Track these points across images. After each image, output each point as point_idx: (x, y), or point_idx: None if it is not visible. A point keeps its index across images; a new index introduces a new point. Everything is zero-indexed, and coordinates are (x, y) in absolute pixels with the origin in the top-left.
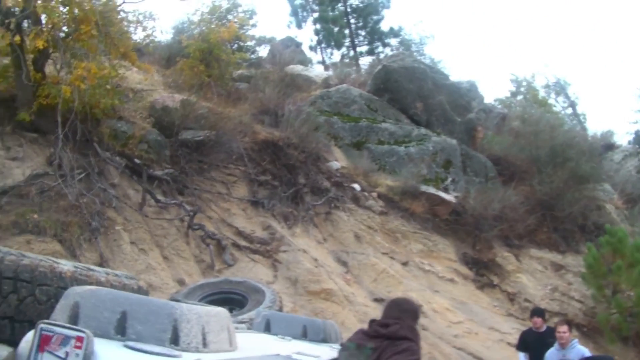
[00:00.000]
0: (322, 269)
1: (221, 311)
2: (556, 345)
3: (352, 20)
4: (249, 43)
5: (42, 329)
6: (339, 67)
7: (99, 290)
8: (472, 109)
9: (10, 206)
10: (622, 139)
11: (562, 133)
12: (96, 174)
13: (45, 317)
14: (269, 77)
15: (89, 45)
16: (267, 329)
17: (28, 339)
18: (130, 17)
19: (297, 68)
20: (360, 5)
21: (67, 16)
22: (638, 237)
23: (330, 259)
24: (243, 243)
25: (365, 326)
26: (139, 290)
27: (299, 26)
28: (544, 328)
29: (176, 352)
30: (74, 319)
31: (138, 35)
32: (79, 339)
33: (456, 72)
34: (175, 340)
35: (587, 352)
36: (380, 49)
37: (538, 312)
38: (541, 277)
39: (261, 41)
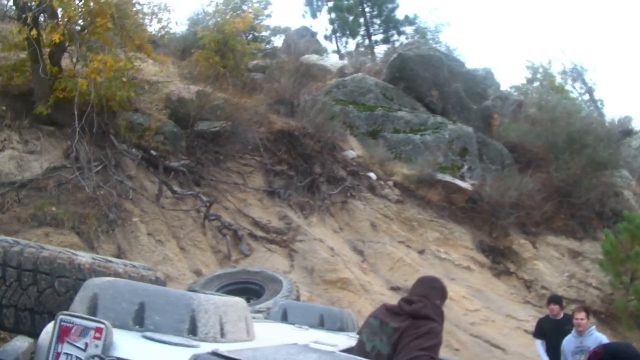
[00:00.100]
0: (338, 258)
1: (239, 301)
2: (573, 332)
3: (367, 9)
4: (263, 33)
5: (61, 320)
6: (354, 56)
7: (117, 282)
8: (488, 96)
9: (29, 199)
10: None
11: (579, 119)
12: (113, 166)
13: (64, 309)
14: (284, 67)
15: (104, 38)
16: (284, 318)
17: (48, 330)
18: (145, 9)
19: (313, 57)
20: None
21: (83, 9)
22: None
23: (347, 248)
24: (259, 233)
25: None
26: (157, 281)
27: (314, 15)
28: (561, 315)
29: (194, 342)
30: (92, 310)
31: (153, 27)
32: (98, 329)
33: (472, 59)
34: (193, 331)
35: (604, 339)
36: (396, 37)
37: (555, 299)
38: (558, 264)
39: (276, 31)
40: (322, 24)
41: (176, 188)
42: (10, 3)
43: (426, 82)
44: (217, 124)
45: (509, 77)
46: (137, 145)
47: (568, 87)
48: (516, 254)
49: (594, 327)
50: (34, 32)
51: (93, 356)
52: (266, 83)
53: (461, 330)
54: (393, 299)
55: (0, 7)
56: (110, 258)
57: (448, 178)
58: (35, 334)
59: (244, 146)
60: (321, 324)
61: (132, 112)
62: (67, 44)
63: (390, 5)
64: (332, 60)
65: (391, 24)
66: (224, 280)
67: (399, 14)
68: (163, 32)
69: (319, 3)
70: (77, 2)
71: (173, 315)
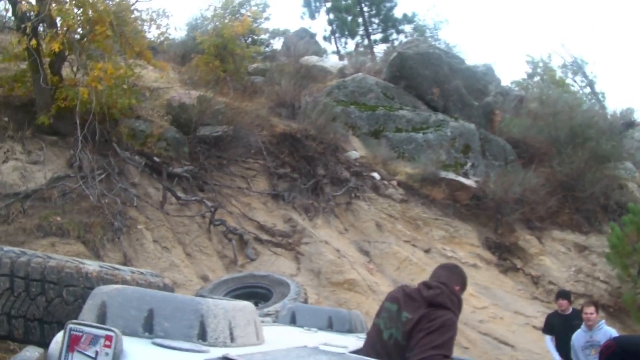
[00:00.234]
0: (344, 259)
1: (247, 305)
2: (583, 327)
3: (365, 9)
4: (262, 36)
5: (71, 329)
6: (354, 56)
7: (125, 289)
8: (489, 92)
9: (34, 210)
10: None
11: (581, 113)
12: (116, 174)
13: (73, 318)
14: (284, 69)
15: (104, 45)
16: (293, 321)
17: (58, 340)
18: (144, 16)
19: (312, 59)
20: None
21: (82, 18)
22: None
23: (353, 249)
24: (265, 237)
25: None
26: (165, 288)
27: (312, 17)
28: (569, 310)
29: (204, 347)
30: (101, 318)
31: (152, 34)
32: (108, 337)
33: (472, 56)
34: (202, 336)
35: (614, 333)
36: (395, 36)
37: (564, 294)
38: (565, 258)
39: (275, 34)
40: (320, 25)
41: (180, 194)
42: (9, 14)
43: (427, 80)
44: (219, 128)
45: (510, 73)
46: (140, 152)
47: (569, 81)
48: (522, 249)
49: (603, 321)
50: (33, 42)
51: None
52: (267, 86)
53: (470, 327)
54: None
55: None
56: (117, 266)
57: (452, 176)
58: (44, 344)
59: (246, 150)
60: (330, 326)
61: (133, 119)
62: (67, 53)
63: (388, 4)
64: (332, 61)
65: (390, 23)
66: (231, 285)
67: (397, 13)
68: (162, 38)
69: (317, 4)
70: (75, 10)
71: (182, 321)
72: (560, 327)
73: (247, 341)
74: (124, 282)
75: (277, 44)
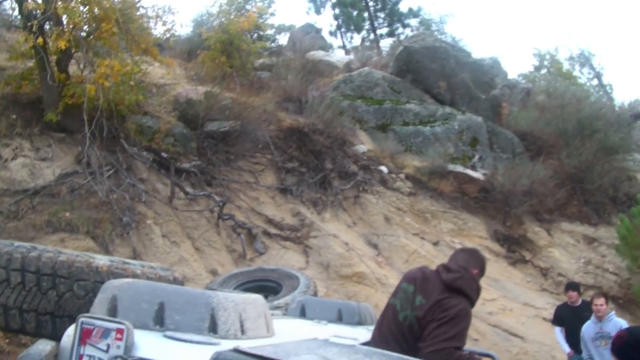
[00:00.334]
0: (353, 252)
1: (257, 298)
2: (593, 318)
3: (371, 3)
4: (268, 32)
5: (82, 323)
6: (360, 50)
7: (136, 283)
8: (496, 85)
9: (43, 206)
10: None
11: (588, 105)
12: (124, 169)
13: (84, 312)
14: (290, 64)
15: (110, 43)
16: (303, 314)
17: (70, 333)
18: (150, 13)
19: (318, 54)
20: None
21: (88, 15)
22: None
23: (361, 242)
24: (273, 231)
25: None
26: (175, 281)
27: (318, 12)
28: (579, 302)
29: (215, 340)
30: (112, 311)
31: (158, 30)
32: (119, 330)
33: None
34: (213, 329)
35: (625, 324)
36: (400, 30)
37: (573, 286)
38: (574, 250)
39: (281, 29)
40: (326, 20)
41: (188, 189)
42: (16, 12)
43: (433, 73)
44: (227, 123)
45: (516, 66)
46: (148, 148)
47: (576, 73)
48: (531, 242)
49: (613, 312)
50: (40, 39)
51: (115, 357)
52: (273, 81)
53: (479, 320)
54: None
55: (5, 17)
56: (127, 260)
57: (459, 169)
58: (56, 338)
59: (254, 145)
60: (339, 318)
61: (141, 115)
62: (73, 50)
63: None
64: (338, 56)
65: (395, 17)
66: (240, 279)
67: (403, 7)
68: (168, 35)
69: None
70: (81, 8)
71: (193, 314)
72: (569, 319)
73: (257, 334)
74: (134, 276)
75: (283, 39)
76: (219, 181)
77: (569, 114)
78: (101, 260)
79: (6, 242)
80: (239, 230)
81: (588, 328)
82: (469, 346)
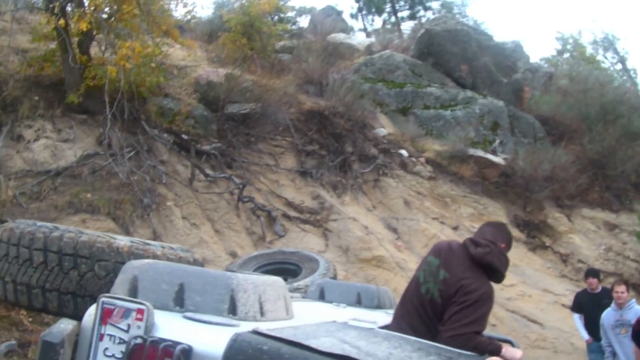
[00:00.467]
0: (372, 236)
1: (277, 280)
2: (613, 305)
3: None
4: (289, 14)
5: (103, 303)
6: (381, 33)
7: (156, 264)
8: (518, 69)
9: (64, 187)
10: None
11: (612, 90)
12: (145, 151)
13: (105, 292)
14: (311, 47)
15: (131, 24)
16: (322, 296)
17: (91, 313)
18: None
19: (339, 36)
20: None
21: None
22: None
23: (381, 225)
24: (293, 213)
25: None
26: (195, 263)
27: None
28: (599, 289)
29: (234, 322)
30: (133, 292)
31: (179, 12)
32: (140, 311)
33: (500, 32)
34: (233, 310)
35: None
36: (422, 13)
37: (593, 272)
38: (594, 237)
39: (301, 11)
40: (347, 3)
41: (209, 171)
42: None
43: (455, 57)
44: (247, 106)
45: (539, 49)
46: (168, 130)
47: (599, 58)
48: (551, 227)
49: (634, 300)
50: (62, 21)
51: (136, 337)
52: (294, 64)
53: (498, 305)
54: None
55: None
56: (148, 241)
57: (480, 153)
58: (78, 317)
59: (274, 127)
60: (358, 301)
61: (162, 97)
62: (94, 32)
63: None
64: (359, 39)
65: (417, 0)
66: (260, 261)
67: None
68: (189, 17)
69: None
70: None
71: (213, 296)
72: (589, 306)
73: (277, 316)
74: (155, 257)
75: (304, 21)
76: (239, 163)
77: (591, 99)
78: (122, 241)
79: (29, 222)
80: (259, 213)
81: (608, 315)
82: (487, 331)
